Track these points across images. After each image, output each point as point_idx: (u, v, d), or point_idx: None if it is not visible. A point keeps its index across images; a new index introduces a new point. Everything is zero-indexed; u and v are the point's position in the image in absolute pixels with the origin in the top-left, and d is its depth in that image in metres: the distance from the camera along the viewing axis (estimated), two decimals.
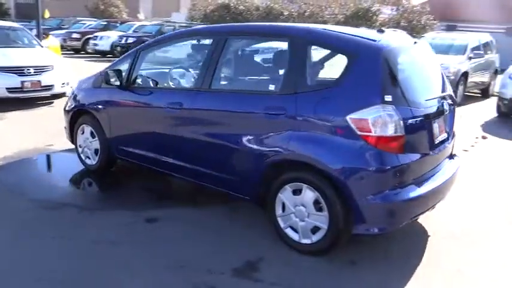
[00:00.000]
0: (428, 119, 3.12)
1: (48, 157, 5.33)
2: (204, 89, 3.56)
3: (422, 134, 3.08)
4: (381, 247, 3.32)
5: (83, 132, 4.71)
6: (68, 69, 8.78)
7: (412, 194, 2.91)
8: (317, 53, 3.33)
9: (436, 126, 3.22)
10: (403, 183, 2.90)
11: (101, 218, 3.69)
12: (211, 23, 20.45)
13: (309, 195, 3.04)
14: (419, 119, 3.00)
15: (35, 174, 4.87)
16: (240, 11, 21.28)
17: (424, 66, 3.46)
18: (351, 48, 3.03)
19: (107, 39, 19.63)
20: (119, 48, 18.73)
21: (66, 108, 4.91)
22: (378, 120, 2.78)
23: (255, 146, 3.24)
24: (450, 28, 22.46)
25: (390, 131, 2.81)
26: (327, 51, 3.42)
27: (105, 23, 23.34)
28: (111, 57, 19.22)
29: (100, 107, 4.40)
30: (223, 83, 3.78)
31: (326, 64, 3.46)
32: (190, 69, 4.26)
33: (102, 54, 19.67)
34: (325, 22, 18.65)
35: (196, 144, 3.62)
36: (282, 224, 3.23)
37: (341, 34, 3.17)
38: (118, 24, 22.87)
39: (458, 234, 3.60)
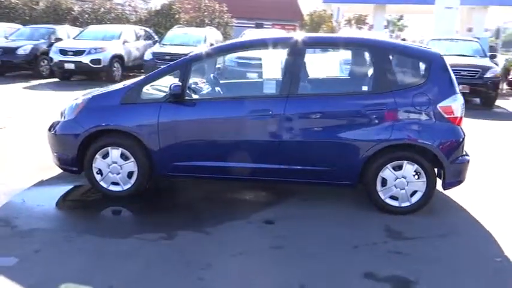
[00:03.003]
0: None
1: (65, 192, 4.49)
2: (294, 95, 3.95)
3: None
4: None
5: (104, 156, 4.18)
6: None
7: (468, 158, 4.19)
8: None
9: None
10: (464, 150, 4.15)
11: (227, 234, 3.65)
12: None
13: (408, 168, 3.97)
14: None
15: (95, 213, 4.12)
16: (13, 5, 18.35)
17: None
18: (424, 55, 4.09)
19: None
20: None
21: (68, 132, 4.22)
22: (457, 105, 3.95)
23: (357, 138, 3.93)
24: None
25: (461, 112, 4.01)
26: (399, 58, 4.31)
27: None
28: None
29: (144, 124, 4.07)
30: (312, 88, 4.21)
31: (401, 68, 4.35)
32: (266, 78, 4.40)
33: None
34: (127, 19, 18.19)
35: (293, 145, 3.98)
36: (382, 196, 4.05)
37: (406, 44, 4.15)
38: None
39: None
